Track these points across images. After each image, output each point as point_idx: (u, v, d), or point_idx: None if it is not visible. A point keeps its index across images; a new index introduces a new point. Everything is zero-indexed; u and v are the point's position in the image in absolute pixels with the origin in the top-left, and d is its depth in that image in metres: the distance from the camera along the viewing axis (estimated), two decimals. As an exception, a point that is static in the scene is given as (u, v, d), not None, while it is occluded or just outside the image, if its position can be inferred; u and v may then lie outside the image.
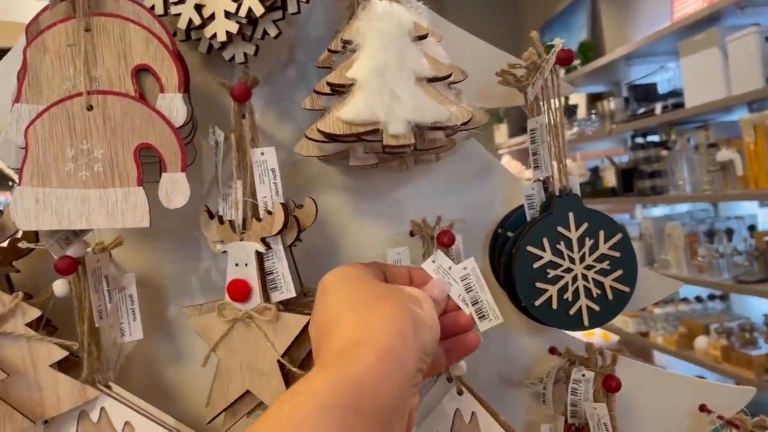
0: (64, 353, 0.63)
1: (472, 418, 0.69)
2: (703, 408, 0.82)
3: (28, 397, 0.62)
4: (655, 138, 3.18)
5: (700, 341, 2.94)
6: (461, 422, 0.69)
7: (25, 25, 0.64)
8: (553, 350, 0.84)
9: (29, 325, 0.63)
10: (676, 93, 2.90)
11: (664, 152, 3.01)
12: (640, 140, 3.25)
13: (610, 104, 3.38)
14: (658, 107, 2.95)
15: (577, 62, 3.61)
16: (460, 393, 0.70)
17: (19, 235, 0.69)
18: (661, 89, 3.15)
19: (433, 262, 0.64)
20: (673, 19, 2.89)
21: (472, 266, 0.65)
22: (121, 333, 0.70)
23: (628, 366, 0.84)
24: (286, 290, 0.66)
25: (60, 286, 0.65)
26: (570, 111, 3.84)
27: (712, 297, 3.20)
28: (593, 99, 3.75)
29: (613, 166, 3.41)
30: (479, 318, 0.62)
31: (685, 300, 3.25)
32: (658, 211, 3.43)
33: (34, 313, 0.63)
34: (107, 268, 0.69)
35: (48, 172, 0.61)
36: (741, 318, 2.98)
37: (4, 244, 0.68)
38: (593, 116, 3.59)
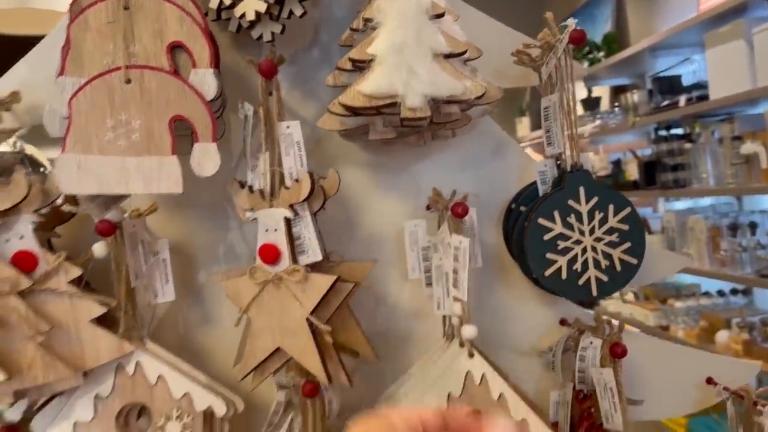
0: (104, 309, 0.68)
1: (483, 380, 0.72)
2: (710, 380, 0.85)
3: (69, 351, 0.67)
4: (678, 131, 3.16)
5: (722, 335, 2.92)
6: (472, 383, 0.73)
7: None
8: (563, 322, 0.87)
9: (71, 284, 0.68)
10: (701, 85, 2.88)
11: (688, 145, 3.00)
12: (663, 133, 3.23)
13: (634, 97, 3.36)
14: (682, 99, 2.93)
15: (600, 54, 3.59)
16: (471, 356, 0.73)
17: (61, 201, 0.74)
18: (686, 81, 3.13)
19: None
20: (700, 11, 2.87)
21: (465, 246, 0.70)
22: (155, 294, 0.75)
23: (637, 339, 0.87)
24: (313, 254, 0.70)
25: (100, 248, 0.70)
26: (593, 103, 3.83)
27: (734, 291, 3.17)
28: (617, 92, 3.74)
29: (635, 159, 3.39)
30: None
31: (706, 294, 3.23)
32: (681, 204, 3.41)
33: (76, 271, 0.68)
34: (143, 233, 0.73)
35: (89, 140, 0.65)
36: (763, 312, 2.96)
37: (46, 210, 0.73)
38: (616, 109, 3.57)
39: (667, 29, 3.07)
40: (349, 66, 0.68)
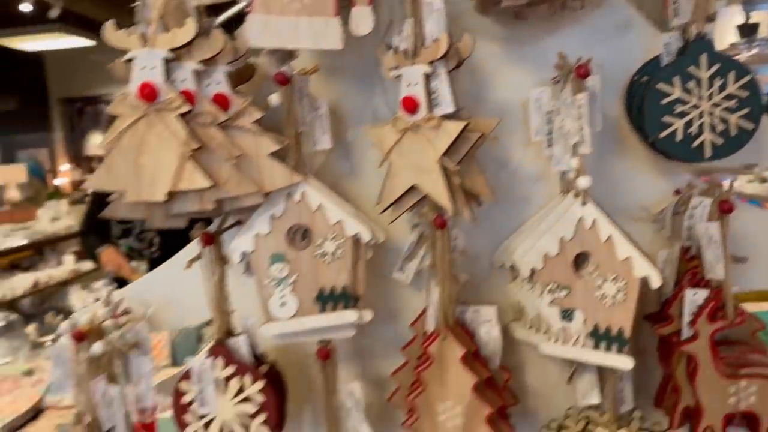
0: (279, 145, 0.84)
1: (593, 224, 0.81)
2: (823, 253, 0.88)
3: (252, 176, 0.85)
4: None
5: None
6: (583, 228, 0.82)
7: None
8: (678, 192, 0.92)
9: (254, 123, 0.85)
10: None
11: None
12: (829, 60, 2.95)
13: (798, 20, 3.07)
14: None
15: (763, -26, 3.30)
16: (584, 203, 0.82)
17: (242, 62, 0.90)
18: None
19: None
20: None
21: (585, 101, 0.78)
22: (314, 143, 0.91)
23: (752, 211, 0.91)
24: (446, 106, 0.81)
25: (275, 98, 0.87)
26: (749, 30, 3.54)
27: None
28: (779, 15, 3.43)
29: (793, 89, 3.13)
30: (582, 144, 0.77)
31: None
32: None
33: (258, 113, 0.84)
34: (307, 88, 0.89)
35: (271, 2, 0.80)
36: None
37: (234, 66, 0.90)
38: (776, 34, 3.29)
39: (844, -61, 2.77)
40: (487, -64, 0.77)
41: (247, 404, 0.86)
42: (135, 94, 0.79)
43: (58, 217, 5.49)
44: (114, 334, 0.91)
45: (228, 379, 0.86)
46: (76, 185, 7.64)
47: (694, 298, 0.81)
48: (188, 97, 0.80)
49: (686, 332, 0.82)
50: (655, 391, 0.93)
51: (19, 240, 5.01)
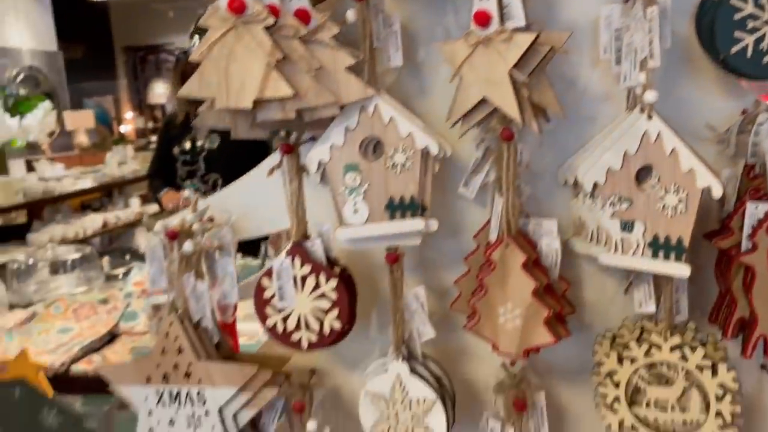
0: (355, 60, 0.89)
1: (658, 137, 0.84)
2: None
3: (329, 87, 0.90)
4: None
5: None
6: (648, 142, 0.85)
7: None
8: (744, 112, 0.93)
9: (332, 39, 0.90)
10: None
11: None
12: None
13: None
14: None
15: None
16: (650, 117, 0.84)
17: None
18: None
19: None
20: None
21: (656, 14, 0.80)
22: (388, 59, 0.95)
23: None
24: (518, 20, 0.84)
25: (351, 14, 0.91)
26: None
27: None
28: None
29: None
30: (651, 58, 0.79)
31: None
32: None
33: (336, 29, 0.89)
34: (382, 5, 0.93)
35: None
36: None
37: None
38: None
39: None
40: None
41: (322, 300, 0.93)
42: (225, 8, 0.85)
43: (124, 162, 5.74)
44: (201, 236, 0.99)
45: (304, 277, 0.94)
46: (140, 133, 7.93)
47: (755, 211, 0.83)
48: (273, 10, 0.86)
49: (745, 244, 0.84)
50: (710, 308, 0.96)
51: (89, 182, 5.28)
